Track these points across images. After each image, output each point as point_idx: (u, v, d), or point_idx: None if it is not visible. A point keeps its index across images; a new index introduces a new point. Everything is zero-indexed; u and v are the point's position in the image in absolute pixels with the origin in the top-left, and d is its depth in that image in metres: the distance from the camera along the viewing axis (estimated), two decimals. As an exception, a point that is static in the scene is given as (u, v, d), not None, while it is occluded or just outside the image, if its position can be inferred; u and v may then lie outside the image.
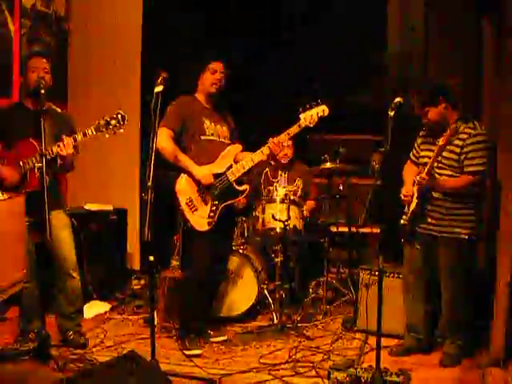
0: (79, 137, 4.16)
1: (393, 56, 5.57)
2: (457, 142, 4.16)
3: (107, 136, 4.18)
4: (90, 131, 4.15)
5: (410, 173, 4.43)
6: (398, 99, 3.84)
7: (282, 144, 4.55)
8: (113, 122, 4.16)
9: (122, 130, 4.18)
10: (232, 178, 4.53)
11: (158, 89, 3.82)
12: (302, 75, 7.80)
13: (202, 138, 4.53)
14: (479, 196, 4.27)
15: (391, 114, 3.78)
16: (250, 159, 4.53)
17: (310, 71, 7.81)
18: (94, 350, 4.41)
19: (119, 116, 4.17)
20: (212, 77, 4.56)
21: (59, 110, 4.48)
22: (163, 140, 4.38)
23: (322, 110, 4.53)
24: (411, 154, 4.51)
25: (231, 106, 4.84)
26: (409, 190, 4.28)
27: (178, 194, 4.48)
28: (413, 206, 4.24)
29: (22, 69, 4.37)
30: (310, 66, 7.81)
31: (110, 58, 6.33)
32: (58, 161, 4.26)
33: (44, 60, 4.30)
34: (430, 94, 4.23)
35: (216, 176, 4.50)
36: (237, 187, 4.57)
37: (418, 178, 4.16)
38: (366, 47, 7.61)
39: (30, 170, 4.13)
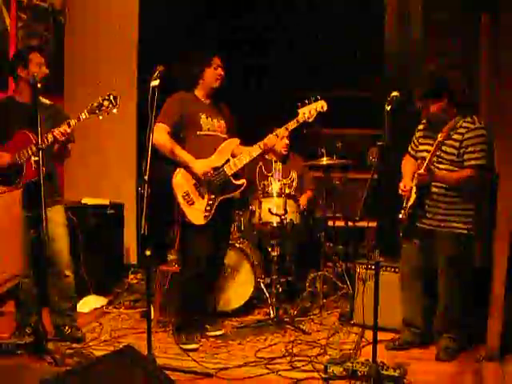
0: (73, 122, 4.16)
1: (391, 50, 5.57)
2: (456, 136, 4.15)
3: (101, 118, 4.17)
4: (83, 115, 4.15)
5: (408, 167, 4.42)
6: (394, 93, 3.83)
7: (281, 138, 4.58)
8: (105, 102, 4.16)
9: (115, 111, 4.17)
10: (229, 172, 4.53)
11: (155, 83, 3.80)
12: (301, 70, 7.80)
13: (199, 133, 4.52)
14: (480, 191, 4.26)
15: (388, 108, 3.78)
16: (247, 153, 4.53)
17: (309, 66, 7.81)
18: (90, 344, 4.41)
19: (111, 97, 4.17)
20: (216, 72, 4.57)
21: (49, 103, 4.47)
22: (160, 136, 4.37)
23: (320, 105, 4.54)
24: (409, 148, 4.51)
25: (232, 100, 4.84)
26: (407, 184, 4.28)
27: (174, 188, 4.48)
28: (412, 200, 4.23)
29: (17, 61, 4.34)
30: (309, 60, 7.81)
31: (106, 51, 6.32)
32: (55, 146, 4.26)
33: (43, 55, 4.33)
34: (433, 87, 4.22)
35: (213, 170, 4.50)
36: (234, 181, 4.57)
37: (417, 172, 4.16)
38: (364, 42, 7.61)
39: (25, 162, 4.14)
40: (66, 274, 4.40)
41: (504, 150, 4.13)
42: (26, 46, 4.98)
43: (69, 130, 4.16)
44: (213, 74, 4.57)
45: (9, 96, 4.54)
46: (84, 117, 4.15)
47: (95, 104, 4.15)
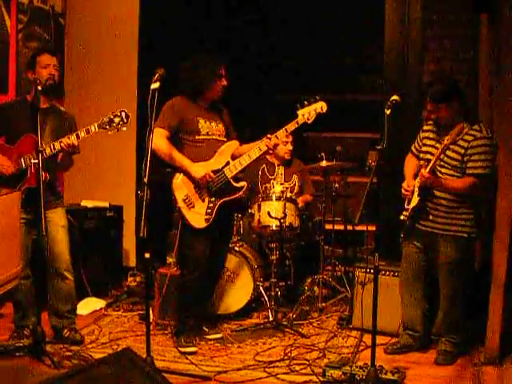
0: (82, 133, 4.17)
1: (391, 51, 5.58)
2: (461, 143, 4.13)
3: (110, 133, 4.19)
4: (93, 128, 4.16)
5: (410, 166, 4.42)
6: (394, 97, 3.82)
7: (281, 140, 4.57)
8: (116, 119, 4.18)
9: (124, 128, 4.20)
10: (229, 175, 4.52)
11: (155, 86, 3.80)
12: (301, 73, 7.82)
13: (198, 137, 4.50)
14: (482, 196, 4.26)
15: (387, 112, 3.77)
16: (247, 155, 4.52)
17: (308, 69, 7.83)
18: (89, 346, 4.41)
19: (123, 114, 4.19)
20: (220, 83, 4.54)
21: (63, 109, 4.50)
22: (159, 141, 4.35)
23: (320, 106, 4.52)
24: (412, 147, 4.48)
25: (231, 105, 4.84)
26: (410, 184, 4.27)
27: (174, 191, 4.48)
28: (414, 202, 4.23)
29: (18, 63, 4.35)
30: (308, 64, 7.84)
31: (106, 54, 6.32)
32: (59, 156, 4.27)
33: (54, 58, 4.33)
34: (445, 91, 4.19)
35: (213, 173, 4.49)
36: (234, 184, 4.56)
37: (420, 173, 4.15)
38: (364, 46, 7.63)
39: (29, 166, 4.15)
40: (66, 275, 4.41)
41: (504, 151, 4.13)
42: (39, 48, 4.99)
43: (76, 143, 4.18)
44: (219, 86, 4.54)
45: (22, 97, 4.55)
46: (94, 130, 4.17)
47: (106, 119, 4.17)
